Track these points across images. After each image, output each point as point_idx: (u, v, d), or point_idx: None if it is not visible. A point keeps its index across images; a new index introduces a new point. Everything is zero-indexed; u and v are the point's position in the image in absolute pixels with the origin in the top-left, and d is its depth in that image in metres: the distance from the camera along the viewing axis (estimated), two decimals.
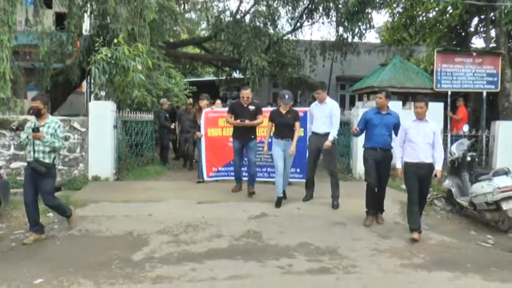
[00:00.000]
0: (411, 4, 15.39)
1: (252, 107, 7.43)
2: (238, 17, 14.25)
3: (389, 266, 4.81)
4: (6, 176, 8.02)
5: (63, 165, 8.53)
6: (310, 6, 15.26)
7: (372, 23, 14.51)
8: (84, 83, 14.51)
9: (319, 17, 15.68)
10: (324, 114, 7.09)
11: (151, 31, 9.89)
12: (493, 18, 12.25)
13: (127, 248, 5.13)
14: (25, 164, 8.24)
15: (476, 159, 8.23)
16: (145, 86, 9.55)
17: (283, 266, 4.69)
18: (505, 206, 6.14)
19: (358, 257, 5.03)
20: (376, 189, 6.33)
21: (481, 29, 14.03)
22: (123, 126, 9.32)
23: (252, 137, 7.45)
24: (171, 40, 15.07)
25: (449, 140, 10.10)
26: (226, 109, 8.41)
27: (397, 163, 5.96)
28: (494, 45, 12.45)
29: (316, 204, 7.11)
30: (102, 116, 8.56)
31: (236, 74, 17.64)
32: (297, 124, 7.04)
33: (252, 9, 14.43)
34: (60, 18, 13.35)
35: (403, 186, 6.61)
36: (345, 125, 9.60)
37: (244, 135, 7.41)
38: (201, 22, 23.67)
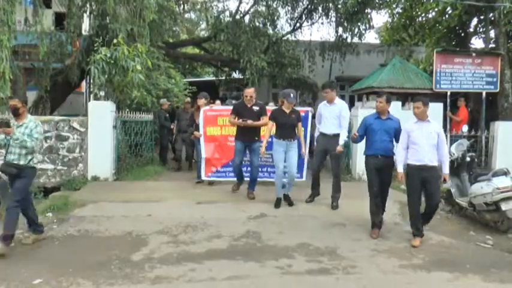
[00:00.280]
0: (411, 5, 15.39)
1: (256, 108, 7.22)
2: (237, 17, 14.23)
3: (388, 266, 4.81)
4: (4, 176, 8.05)
5: (63, 165, 8.52)
6: (309, 6, 15.24)
7: (371, 24, 14.52)
8: (83, 83, 14.48)
9: (319, 17, 15.66)
10: (333, 115, 6.97)
11: (150, 31, 9.88)
12: (492, 18, 12.25)
13: (126, 248, 5.12)
14: None
15: (476, 160, 8.23)
16: (144, 86, 9.54)
17: (283, 267, 4.69)
18: (504, 206, 6.14)
19: (357, 258, 5.03)
20: (378, 197, 6.05)
21: (481, 30, 14.04)
22: (122, 126, 9.32)
23: (256, 138, 7.27)
24: (171, 40, 15.04)
25: (448, 140, 10.10)
26: (226, 107, 8.49)
27: (398, 166, 5.73)
28: (494, 45, 12.46)
29: (316, 205, 7.11)
30: (101, 116, 8.55)
31: (236, 75, 17.64)
32: (300, 125, 6.93)
33: (252, 10, 14.42)
34: (59, 18, 13.34)
35: (402, 186, 6.58)
36: None
37: (247, 136, 7.20)
38: (201, 22, 23.75)
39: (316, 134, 7.38)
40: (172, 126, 11.07)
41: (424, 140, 5.48)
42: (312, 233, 5.78)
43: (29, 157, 5.21)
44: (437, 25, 14.95)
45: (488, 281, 4.52)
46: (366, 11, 14.13)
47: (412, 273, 4.67)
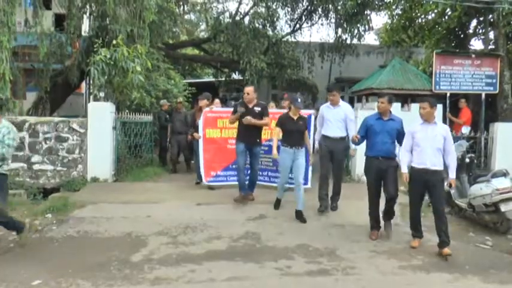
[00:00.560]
0: (410, 6, 15.43)
1: (257, 108, 6.99)
2: (237, 18, 14.24)
3: (387, 267, 4.81)
4: None
5: (62, 166, 8.52)
6: (309, 7, 15.25)
7: (370, 25, 14.53)
8: (83, 84, 14.48)
9: (318, 18, 15.67)
10: (338, 118, 6.77)
11: (150, 32, 9.88)
12: (492, 20, 12.28)
13: (125, 249, 5.12)
14: (24, 164, 8.35)
15: (475, 161, 8.24)
16: (144, 87, 9.54)
17: (282, 268, 4.69)
18: (503, 207, 6.15)
19: (356, 259, 5.03)
20: (378, 199, 5.92)
21: (480, 31, 14.07)
22: (122, 127, 9.32)
23: (258, 141, 7.07)
24: (171, 41, 15.05)
25: None
26: (226, 109, 8.37)
27: (403, 167, 5.55)
28: (493, 47, 12.49)
29: (314, 206, 7.10)
30: (101, 117, 8.55)
31: (235, 76, 17.65)
32: (306, 132, 6.71)
33: (251, 11, 14.42)
34: (59, 19, 13.34)
35: (402, 188, 6.56)
36: None
37: (248, 138, 6.95)
38: (201, 23, 23.74)
39: (317, 137, 7.17)
40: None
41: (428, 142, 5.30)
42: (311, 234, 5.78)
43: None
44: (436, 26, 14.99)
45: (487, 282, 4.53)
46: (366, 12, 14.15)
47: (412, 274, 4.68)
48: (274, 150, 6.62)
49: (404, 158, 5.55)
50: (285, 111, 7.91)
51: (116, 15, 9.02)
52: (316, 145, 7.27)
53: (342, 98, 8.42)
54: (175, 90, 13.38)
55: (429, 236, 5.84)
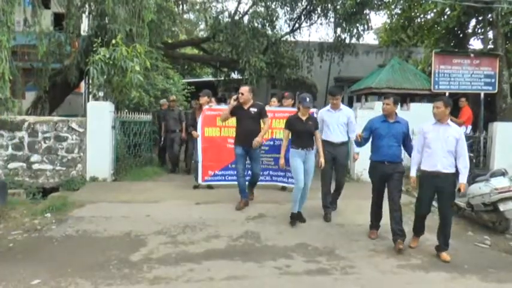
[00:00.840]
0: (409, 5, 15.43)
1: (253, 109, 6.65)
2: (236, 18, 14.24)
3: (386, 266, 4.82)
4: (3, 177, 8.07)
5: (61, 165, 8.53)
6: (308, 7, 15.27)
7: (369, 24, 14.52)
8: (82, 84, 14.48)
9: (317, 17, 15.69)
10: (340, 122, 6.51)
11: (149, 32, 9.87)
12: (491, 19, 12.29)
13: (125, 248, 5.13)
14: (23, 164, 8.35)
15: (474, 161, 8.25)
16: (143, 86, 9.53)
17: (281, 267, 4.70)
18: (502, 207, 6.16)
19: (355, 258, 5.04)
20: (381, 200, 5.74)
21: (479, 31, 14.07)
22: (121, 126, 9.33)
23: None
24: (170, 41, 15.04)
25: None
26: (225, 107, 7.91)
27: (412, 170, 5.35)
28: (492, 46, 12.49)
29: (314, 205, 7.10)
30: (100, 116, 8.56)
31: (234, 75, 17.64)
32: (317, 132, 6.28)
33: (251, 10, 14.42)
34: (58, 19, 13.34)
35: (404, 187, 6.51)
36: None
37: (247, 140, 6.59)
38: (200, 23, 23.70)
39: None
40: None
41: (440, 144, 5.06)
42: (311, 234, 5.79)
43: None
44: (435, 26, 14.99)
45: (486, 281, 4.54)
46: (365, 12, 14.15)
47: (411, 273, 4.68)
48: (282, 160, 6.36)
49: (415, 160, 5.35)
50: (287, 109, 7.86)
51: (114, 14, 9.03)
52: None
53: (342, 98, 8.33)
54: (173, 89, 13.39)
55: (428, 235, 5.84)
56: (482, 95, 11.28)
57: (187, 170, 9.96)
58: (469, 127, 9.76)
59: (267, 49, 14.40)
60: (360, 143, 5.81)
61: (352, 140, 6.47)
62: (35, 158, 8.45)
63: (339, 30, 14.92)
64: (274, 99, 8.77)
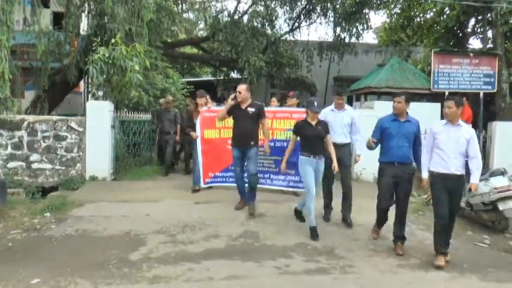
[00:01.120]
0: (409, 5, 15.42)
1: (251, 109, 6.41)
2: (236, 17, 14.23)
3: (386, 266, 4.82)
4: (3, 176, 8.07)
5: (61, 165, 8.53)
6: (307, 6, 15.26)
7: (369, 24, 14.53)
8: (81, 83, 14.48)
9: (317, 17, 15.68)
10: (344, 123, 6.31)
11: (149, 31, 9.86)
12: (490, 19, 12.29)
13: (124, 248, 5.13)
14: (22, 163, 8.35)
15: None
16: (142, 85, 9.53)
17: (280, 266, 4.70)
18: (501, 206, 6.17)
19: (355, 258, 5.05)
20: (391, 199, 5.47)
21: (478, 30, 14.06)
22: (120, 126, 9.32)
23: (252, 143, 6.43)
24: (169, 40, 15.02)
25: None
26: (223, 108, 7.74)
27: (423, 172, 5.14)
28: (491, 45, 12.49)
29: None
30: (99, 115, 8.55)
31: (234, 74, 17.63)
32: (329, 137, 5.92)
33: (250, 10, 14.41)
34: (57, 18, 13.34)
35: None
36: None
37: (242, 141, 6.43)
38: (199, 22, 23.68)
39: None
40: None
41: (451, 145, 4.88)
42: (309, 231, 5.78)
43: None
44: (435, 25, 14.99)
45: (485, 280, 4.54)
46: (364, 11, 14.15)
47: (410, 272, 4.69)
48: (284, 164, 6.08)
49: (425, 161, 5.14)
50: (288, 109, 7.76)
51: (114, 13, 9.02)
52: None
53: None
54: (173, 88, 13.39)
55: (427, 234, 5.86)
56: (481, 95, 11.28)
57: (188, 171, 9.71)
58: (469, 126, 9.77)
59: (266, 48, 14.39)
60: (372, 147, 5.48)
61: (355, 142, 6.47)
62: (34, 157, 8.45)
63: (338, 29, 14.92)
64: (273, 99, 8.61)
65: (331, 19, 15.20)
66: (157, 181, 9.01)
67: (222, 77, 17.79)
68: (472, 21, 13.97)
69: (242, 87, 6.45)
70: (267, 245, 5.38)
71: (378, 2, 15.08)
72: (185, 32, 21.45)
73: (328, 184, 6.47)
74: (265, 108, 7.72)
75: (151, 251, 5.04)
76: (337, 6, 14.07)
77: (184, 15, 19.40)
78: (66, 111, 13.04)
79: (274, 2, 14.63)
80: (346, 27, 14.40)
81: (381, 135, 5.42)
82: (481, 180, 6.45)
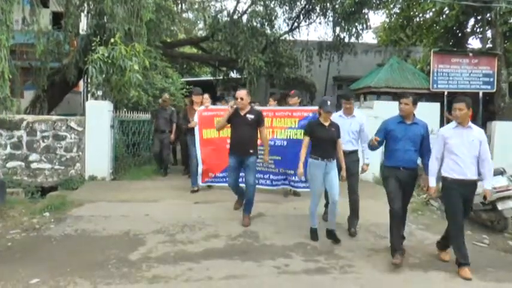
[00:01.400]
0: (408, 5, 15.45)
1: (250, 116, 6.04)
2: (235, 17, 14.24)
3: (385, 266, 4.82)
4: (2, 176, 8.06)
5: (60, 164, 8.52)
6: (307, 6, 15.28)
7: (368, 24, 14.56)
8: (81, 83, 14.47)
9: (316, 17, 15.70)
10: (352, 129, 5.97)
11: (148, 31, 9.86)
12: (489, 19, 12.32)
13: (124, 247, 5.12)
14: (22, 163, 8.34)
15: None
16: (141, 85, 9.52)
17: (280, 266, 4.70)
18: (500, 206, 6.18)
19: (354, 257, 5.05)
20: (402, 212, 5.12)
21: (478, 30, 14.09)
22: (120, 125, 9.32)
23: (251, 151, 6.04)
24: (168, 40, 15.02)
25: None
26: (222, 107, 7.79)
27: (431, 180, 4.87)
28: (491, 45, 12.52)
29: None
30: (99, 115, 8.55)
31: (233, 74, 17.64)
32: (340, 141, 5.58)
33: (249, 9, 14.43)
34: (57, 18, 13.33)
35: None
36: None
37: (240, 149, 6.04)
38: (198, 22, 23.68)
39: None
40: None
41: (465, 149, 4.65)
42: (309, 233, 5.78)
43: None
44: (434, 25, 15.03)
45: (484, 280, 4.55)
46: (363, 11, 14.18)
47: (409, 272, 4.69)
48: (301, 169, 5.53)
49: (434, 168, 4.87)
50: (290, 107, 7.53)
51: (113, 13, 9.02)
52: None
53: (340, 96, 8.08)
54: (172, 88, 13.38)
55: (427, 234, 5.87)
56: (480, 94, 11.30)
57: (187, 173, 9.45)
58: None
59: (265, 48, 14.40)
60: (375, 146, 5.24)
61: (364, 149, 6.06)
62: (33, 157, 8.44)
63: (337, 29, 14.95)
64: (271, 100, 8.32)
65: (331, 19, 15.22)
66: (157, 181, 9.01)
67: (221, 77, 17.80)
68: (472, 21, 14.00)
69: (243, 93, 6.05)
70: (267, 245, 5.38)
71: (377, 1, 15.11)
72: (184, 32, 21.44)
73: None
74: (266, 107, 7.72)
75: (150, 251, 5.04)
76: (337, 6, 14.09)
77: (184, 15, 19.40)
78: (65, 111, 13.04)
79: (273, 2, 14.65)
80: (346, 27, 14.42)
81: (385, 138, 5.15)
82: (480, 180, 6.48)
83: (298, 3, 15.25)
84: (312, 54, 15.49)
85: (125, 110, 9.64)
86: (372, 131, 5.53)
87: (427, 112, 9.22)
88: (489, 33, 12.76)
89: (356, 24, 14.20)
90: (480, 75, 11.32)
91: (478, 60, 11.33)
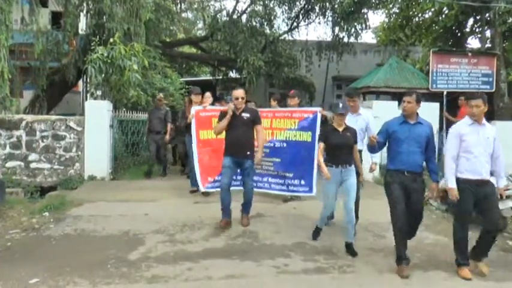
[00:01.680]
0: (407, 5, 15.48)
1: (246, 115, 5.82)
2: (234, 16, 14.25)
3: (384, 265, 4.82)
4: (1, 175, 8.06)
5: (59, 164, 8.52)
6: (306, 6, 15.28)
7: (367, 23, 14.54)
8: (80, 82, 14.47)
9: (316, 16, 15.70)
10: (358, 128, 5.62)
11: (147, 30, 9.88)
12: (488, 19, 12.33)
13: (123, 247, 5.12)
14: (21, 163, 8.34)
15: None
16: (141, 85, 9.53)
17: (279, 266, 4.70)
18: (500, 205, 6.16)
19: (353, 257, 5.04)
20: (405, 221, 4.69)
21: (477, 30, 14.12)
22: (119, 125, 9.33)
23: (248, 153, 5.83)
24: (168, 39, 15.04)
25: (444, 139, 10.13)
26: (220, 107, 7.41)
27: (450, 180, 4.55)
28: (490, 45, 12.53)
29: (312, 204, 7.10)
30: (98, 115, 8.56)
31: (233, 74, 17.66)
32: (356, 147, 5.23)
33: (249, 9, 14.44)
34: (56, 17, 13.33)
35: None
36: None
37: (237, 150, 5.80)
38: (198, 22, 23.74)
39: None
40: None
41: (481, 147, 4.46)
42: (309, 233, 5.76)
43: None
44: (433, 25, 15.05)
45: (483, 279, 4.55)
46: (363, 10, 14.16)
47: (408, 271, 4.68)
48: (325, 169, 5.05)
49: (452, 168, 4.56)
50: (290, 108, 7.28)
51: (112, 13, 9.04)
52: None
53: (339, 96, 8.14)
54: (171, 88, 13.39)
55: (426, 233, 5.87)
56: None
57: (182, 171, 9.46)
58: None
59: (265, 48, 14.40)
60: (374, 147, 4.91)
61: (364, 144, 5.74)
62: (32, 156, 8.44)
63: (337, 29, 14.94)
64: (273, 101, 8.01)
65: (330, 19, 15.21)
66: (156, 181, 9.01)
67: (220, 77, 17.81)
68: (471, 21, 14.04)
69: (242, 93, 5.85)
70: (266, 245, 5.38)
71: (377, 1, 15.11)
72: (184, 32, 21.46)
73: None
74: (266, 109, 7.65)
75: (150, 251, 5.04)
76: (336, 5, 14.08)
77: (183, 14, 19.43)
78: (64, 110, 13.03)
79: (272, 2, 14.65)
80: (345, 27, 14.41)
81: (387, 140, 4.83)
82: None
83: (297, 3, 15.25)
84: (311, 54, 15.50)
85: (124, 109, 9.64)
86: (373, 131, 5.47)
87: (427, 112, 9.17)
88: (488, 33, 12.78)
89: (355, 24, 14.18)
90: (479, 75, 11.33)
91: (477, 60, 11.34)
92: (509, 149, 9.47)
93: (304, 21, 16.08)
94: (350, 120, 5.62)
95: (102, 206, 6.83)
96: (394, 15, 16.41)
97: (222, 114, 5.94)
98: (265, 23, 14.43)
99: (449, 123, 10.81)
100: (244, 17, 14.33)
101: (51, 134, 8.50)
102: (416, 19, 16.14)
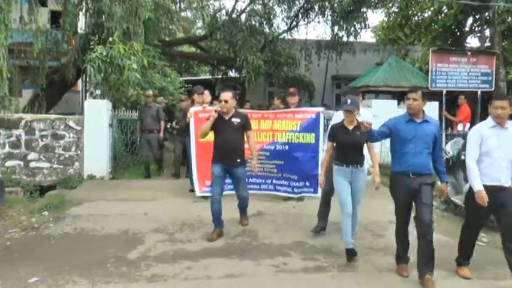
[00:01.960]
0: (406, 4, 15.49)
1: (236, 120, 5.50)
2: (234, 16, 14.26)
3: (384, 264, 4.82)
4: (1, 175, 8.06)
5: (59, 163, 8.51)
6: (305, 5, 15.30)
7: (367, 22, 14.58)
8: (79, 82, 14.47)
9: (315, 16, 15.72)
10: None
11: (146, 30, 9.87)
12: (488, 18, 12.34)
13: (122, 246, 5.13)
14: (20, 162, 8.33)
15: None
16: (140, 84, 9.52)
17: (278, 265, 4.70)
18: None
19: None
20: (407, 225, 4.55)
21: (476, 29, 14.12)
22: (118, 124, 9.32)
23: (238, 161, 5.51)
24: (167, 39, 15.05)
25: (444, 139, 10.15)
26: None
27: (475, 183, 4.22)
28: (489, 44, 12.54)
29: (312, 203, 7.11)
30: (97, 114, 8.55)
31: (232, 73, 17.65)
32: (371, 146, 4.92)
33: (248, 8, 14.46)
34: (55, 17, 13.32)
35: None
36: None
37: (226, 157, 5.46)
38: (197, 21, 23.73)
39: (325, 147, 5.55)
40: (168, 126, 10.68)
41: (502, 152, 4.20)
42: (308, 232, 5.77)
43: None
44: (433, 24, 15.06)
45: (483, 278, 4.55)
46: (362, 10, 14.19)
47: (408, 271, 4.68)
48: (323, 177, 5.10)
49: (476, 171, 4.25)
50: (292, 109, 7.10)
51: (111, 12, 9.03)
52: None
53: (338, 95, 8.09)
54: (170, 87, 13.39)
55: None
56: (479, 93, 11.31)
57: (176, 175, 9.11)
58: (468, 125, 9.76)
59: (264, 47, 14.41)
60: (371, 134, 4.52)
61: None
62: (32, 156, 8.43)
63: (336, 28, 14.96)
64: (275, 99, 7.78)
65: (329, 18, 15.23)
66: (156, 180, 9.01)
67: (220, 76, 17.81)
68: (470, 20, 14.05)
69: (228, 95, 5.43)
70: (265, 244, 5.38)
71: (376, 0, 15.15)
72: (183, 31, 21.45)
73: (325, 187, 5.78)
74: (264, 111, 7.58)
75: (149, 250, 5.04)
76: (335, 5, 14.11)
77: (182, 13, 19.41)
78: (64, 110, 13.02)
79: (272, 1, 14.68)
80: (344, 26, 14.43)
81: (388, 136, 4.52)
82: None
83: (296, 2, 15.28)
84: (311, 53, 15.52)
85: (123, 108, 9.63)
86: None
87: (427, 111, 9.18)
88: (487, 32, 12.79)
89: (354, 23, 14.20)
90: (478, 74, 11.32)
91: (476, 59, 11.34)
92: None
93: (304, 20, 16.10)
94: None
95: (101, 205, 6.83)
96: (393, 15, 16.42)
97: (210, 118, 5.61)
98: (265, 22, 14.45)
99: (449, 123, 10.90)
100: (243, 16, 14.35)
101: (51, 133, 8.50)
102: (416, 18, 16.16)
